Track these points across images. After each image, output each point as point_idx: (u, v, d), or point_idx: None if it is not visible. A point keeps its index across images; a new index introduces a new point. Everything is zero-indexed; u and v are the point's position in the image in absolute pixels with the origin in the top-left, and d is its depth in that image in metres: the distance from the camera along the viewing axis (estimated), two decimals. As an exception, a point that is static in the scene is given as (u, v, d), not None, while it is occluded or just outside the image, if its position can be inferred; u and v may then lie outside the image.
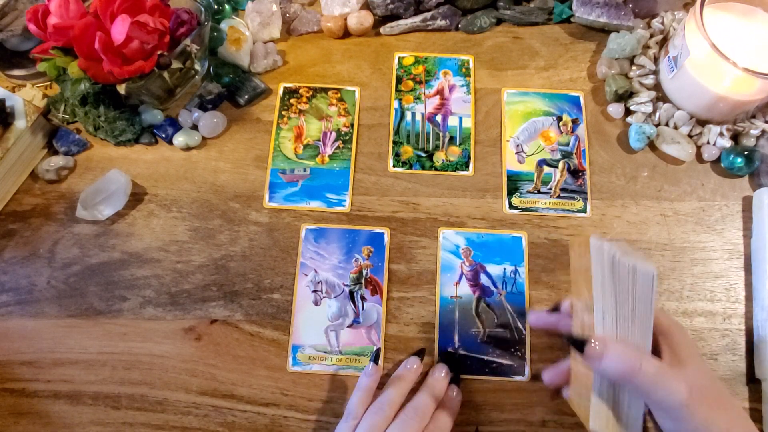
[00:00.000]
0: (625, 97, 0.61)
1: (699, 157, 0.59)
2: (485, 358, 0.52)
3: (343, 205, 0.57)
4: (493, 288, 0.54)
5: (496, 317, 0.53)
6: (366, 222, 0.57)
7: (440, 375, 0.50)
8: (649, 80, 0.61)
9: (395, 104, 0.62)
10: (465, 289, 0.54)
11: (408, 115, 0.61)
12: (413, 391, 0.48)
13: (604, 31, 0.64)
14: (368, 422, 0.45)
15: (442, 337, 0.53)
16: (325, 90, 0.62)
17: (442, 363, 0.51)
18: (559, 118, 0.61)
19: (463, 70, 0.63)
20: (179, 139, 0.59)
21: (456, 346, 0.52)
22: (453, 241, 0.56)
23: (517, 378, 0.51)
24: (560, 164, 0.59)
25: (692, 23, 0.54)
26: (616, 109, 0.60)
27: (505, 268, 0.55)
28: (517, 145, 0.60)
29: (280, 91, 0.62)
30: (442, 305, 0.54)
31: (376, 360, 0.50)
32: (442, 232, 0.56)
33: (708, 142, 0.59)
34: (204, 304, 0.54)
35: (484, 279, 0.54)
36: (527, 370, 0.52)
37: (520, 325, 0.53)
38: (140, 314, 0.53)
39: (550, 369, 0.47)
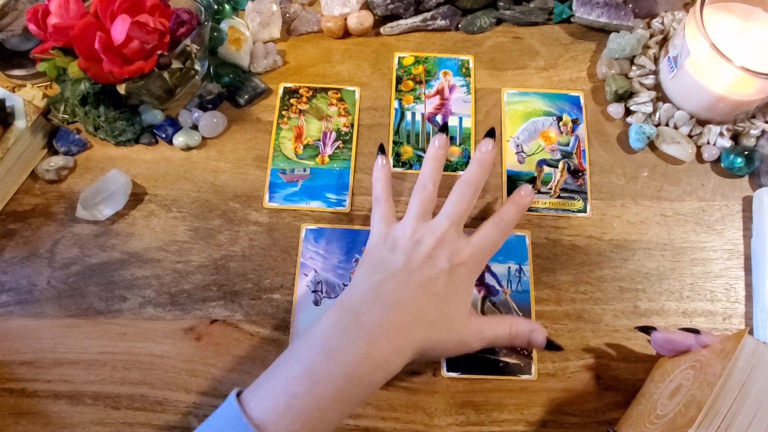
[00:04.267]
0: (625, 97, 0.61)
1: (699, 157, 0.59)
2: (492, 357, 0.52)
3: (343, 205, 0.57)
4: (498, 287, 0.54)
5: None
6: (366, 222, 0.56)
7: (487, 148, 0.51)
8: (649, 80, 0.61)
9: (395, 104, 0.62)
10: None
11: (408, 115, 0.61)
12: None
13: (604, 31, 0.64)
14: (417, 199, 0.49)
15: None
16: (325, 90, 0.62)
17: (487, 138, 0.52)
18: (559, 118, 0.61)
19: (463, 70, 0.63)
20: (179, 139, 0.59)
21: None
22: (453, 241, 0.56)
23: (525, 377, 0.51)
24: (560, 164, 0.59)
25: (692, 23, 0.54)
26: (616, 109, 0.60)
27: (509, 267, 0.55)
28: (517, 145, 0.60)
29: (280, 91, 0.62)
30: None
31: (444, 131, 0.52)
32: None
33: (708, 142, 0.59)
34: (204, 304, 0.54)
35: (488, 278, 0.54)
36: (534, 368, 0.52)
37: None
38: (140, 314, 0.53)
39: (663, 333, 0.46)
